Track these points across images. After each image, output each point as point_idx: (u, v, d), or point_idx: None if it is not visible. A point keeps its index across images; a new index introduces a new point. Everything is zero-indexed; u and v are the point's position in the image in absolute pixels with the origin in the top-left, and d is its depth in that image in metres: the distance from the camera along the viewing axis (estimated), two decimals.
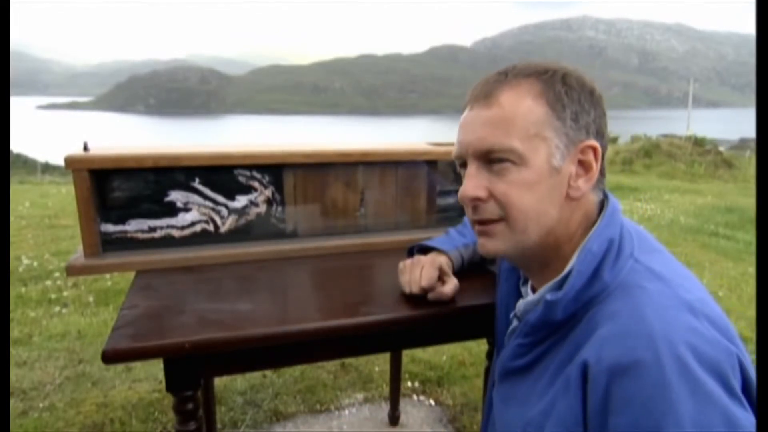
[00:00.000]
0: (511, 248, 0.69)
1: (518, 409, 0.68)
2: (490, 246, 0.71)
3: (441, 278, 0.97)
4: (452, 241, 1.08)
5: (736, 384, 0.54)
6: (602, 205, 0.71)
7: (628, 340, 0.55)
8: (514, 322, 0.77)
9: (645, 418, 0.51)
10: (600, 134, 0.68)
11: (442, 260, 0.99)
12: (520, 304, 0.74)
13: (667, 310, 0.57)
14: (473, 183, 0.68)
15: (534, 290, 0.75)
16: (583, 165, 0.67)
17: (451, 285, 0.96)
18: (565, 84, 0.66)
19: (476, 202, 0.69)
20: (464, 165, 0.72)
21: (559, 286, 0.65)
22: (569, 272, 0.65)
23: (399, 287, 1.05)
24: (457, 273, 1.06)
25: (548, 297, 0.64)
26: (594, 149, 0.66)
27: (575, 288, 0.62)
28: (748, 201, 6.53)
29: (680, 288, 0.60)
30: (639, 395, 0.52)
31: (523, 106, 0.65)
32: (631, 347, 0.54)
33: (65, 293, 3.12)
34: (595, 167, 0.67)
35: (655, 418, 0.51)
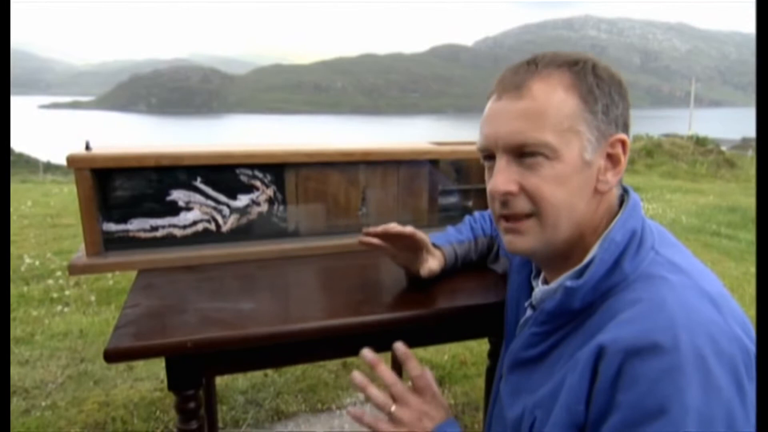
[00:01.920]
0: (541, 245, 0.68)
1: (528, 397, 0.67)
2: (520, 244, 0.68)
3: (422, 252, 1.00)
4: (446, 237, 1.08)
5: (747, 382, 0.54)
6: (622, 199, 0.71)
7: (648, 324, 0.55)
8: (528, 312, 0.76)
9: (650, 397, 0.52)
10: (626, 127, 0.68)
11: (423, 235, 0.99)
12: (537, 292, 0.73)
13: (689, 300, 0.57)
14: (504, 177, 0.66)
15: (546, 282, 0.74)
16: (612, 158, 0.66)
17: (436, 260, 1.01)
18: (596, 76, 0.65)
19: (507, 196, 0.66)
20: (488, 157, 0.70)
21: (579, 274, 0.65)
22: (590, 261, 0.64)
23: (401, 287, 1.05)
24: (451, 269, 1.07)
25: (568, 284, 0.63)
26: (623, 143, 0.66)
27: (596, 277, 0.62)
28: (751, 201, 6.51)
29: (702, 281, 0.60)
30: (649, 375, 0.52)
31: (556, 98, 0.63)
32: (651, 330, 0.54)
33: (67, 292, 3.12)
34: (623, 160, 0.66)
35: (660, 399, 0.51)
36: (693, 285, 0.59)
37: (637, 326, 0.55)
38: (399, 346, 0.77)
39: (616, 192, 0.69)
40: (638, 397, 0.52)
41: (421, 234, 0.97)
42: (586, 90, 0.64)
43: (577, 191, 0.65)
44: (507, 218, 0.68)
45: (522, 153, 0.65)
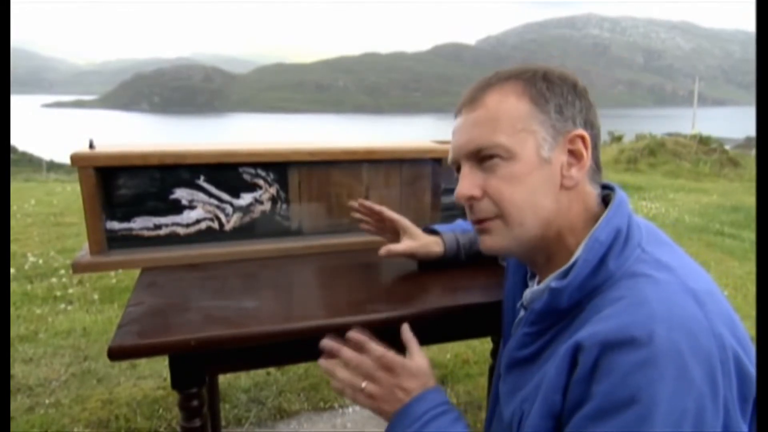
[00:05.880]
0: (511, 243, 0.70)
1: (520, 395, 0.69)
2: (490, 243, 0.72)
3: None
4: (450, 226, 1.14)
5: (721, 378, 0.54)
6: (605, 200, 0.72)
7: (627, 319, 0.56)
8: (521, 312, 0.77)
9: (622, 388, 0.53)
10: (589, 124, 0.69)
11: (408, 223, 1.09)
12: (527, 293, 0.75)
13: (671, 296, 0.57)
14: (467, 183, 0.70)
15: (539, 283, 0.75)
16: (574, 154, 0.68)
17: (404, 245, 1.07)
18: (546, 80, 0.68)
19: (471, 201, 0.71)
20: (458, 170, 0.74)
21: (565, 274, 0.66)
22: (575, 261, 0.65)
23: (404, 285, 1.06)
24: (454, 257, 1.11)
25: (553, 284, 0.65)
26: (582, 138, 0.68)
27: (580, 276, 0.63)
28: (754, 200, 6.49)
29: (688, 278, 0.60)
30: (623, 367, 0.53)
31: (507, 104, 0.68)
32: (628, 325, 0.55)
33: (71, 290, 3.13)
34: (586, 155, 0.68)
35: (632, 390, 0.52)
36: (677, 282, 0.59)
37: (615, 321, 0.56)
38: (404, 330, 0.83)
39: (591, 191, 0.70)
40: (610, 388, 0.53)
41: (405, 221, 1.09)
42: (537, 93, 0.68)
43: (539, 189, 0.67)
44: (477, 221, 0.72)
45: (481, 157, 0.69)
